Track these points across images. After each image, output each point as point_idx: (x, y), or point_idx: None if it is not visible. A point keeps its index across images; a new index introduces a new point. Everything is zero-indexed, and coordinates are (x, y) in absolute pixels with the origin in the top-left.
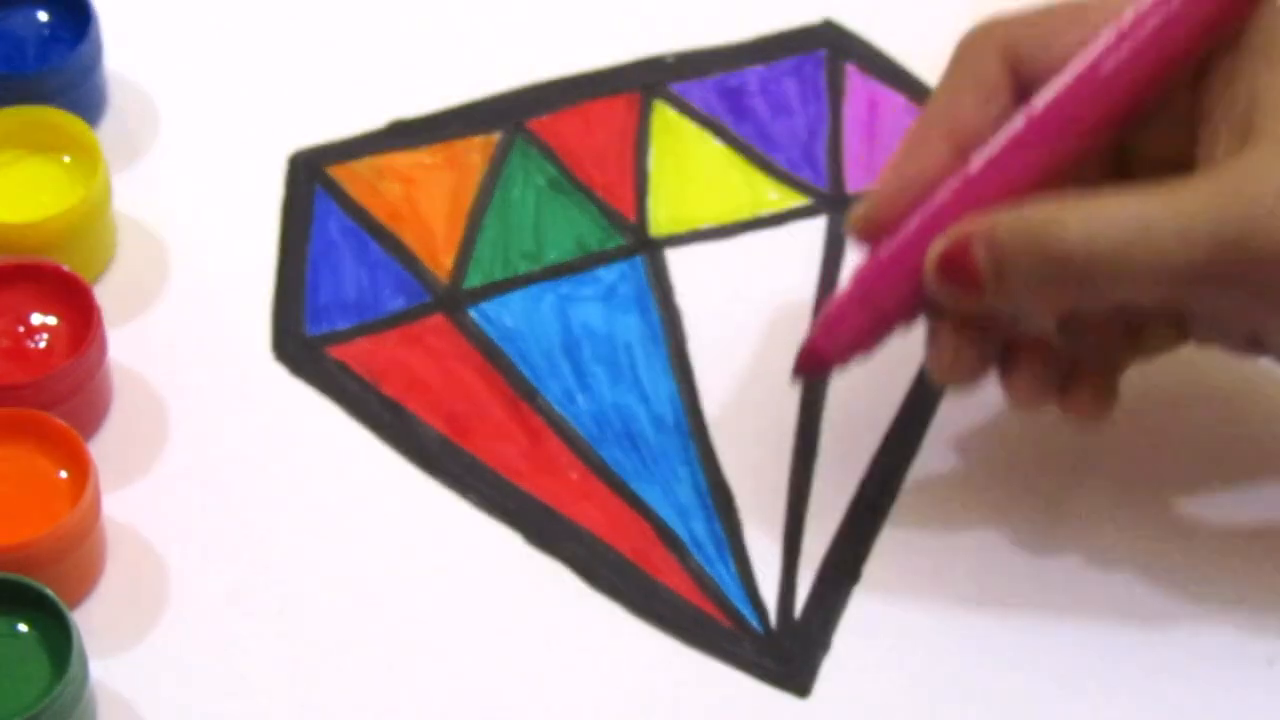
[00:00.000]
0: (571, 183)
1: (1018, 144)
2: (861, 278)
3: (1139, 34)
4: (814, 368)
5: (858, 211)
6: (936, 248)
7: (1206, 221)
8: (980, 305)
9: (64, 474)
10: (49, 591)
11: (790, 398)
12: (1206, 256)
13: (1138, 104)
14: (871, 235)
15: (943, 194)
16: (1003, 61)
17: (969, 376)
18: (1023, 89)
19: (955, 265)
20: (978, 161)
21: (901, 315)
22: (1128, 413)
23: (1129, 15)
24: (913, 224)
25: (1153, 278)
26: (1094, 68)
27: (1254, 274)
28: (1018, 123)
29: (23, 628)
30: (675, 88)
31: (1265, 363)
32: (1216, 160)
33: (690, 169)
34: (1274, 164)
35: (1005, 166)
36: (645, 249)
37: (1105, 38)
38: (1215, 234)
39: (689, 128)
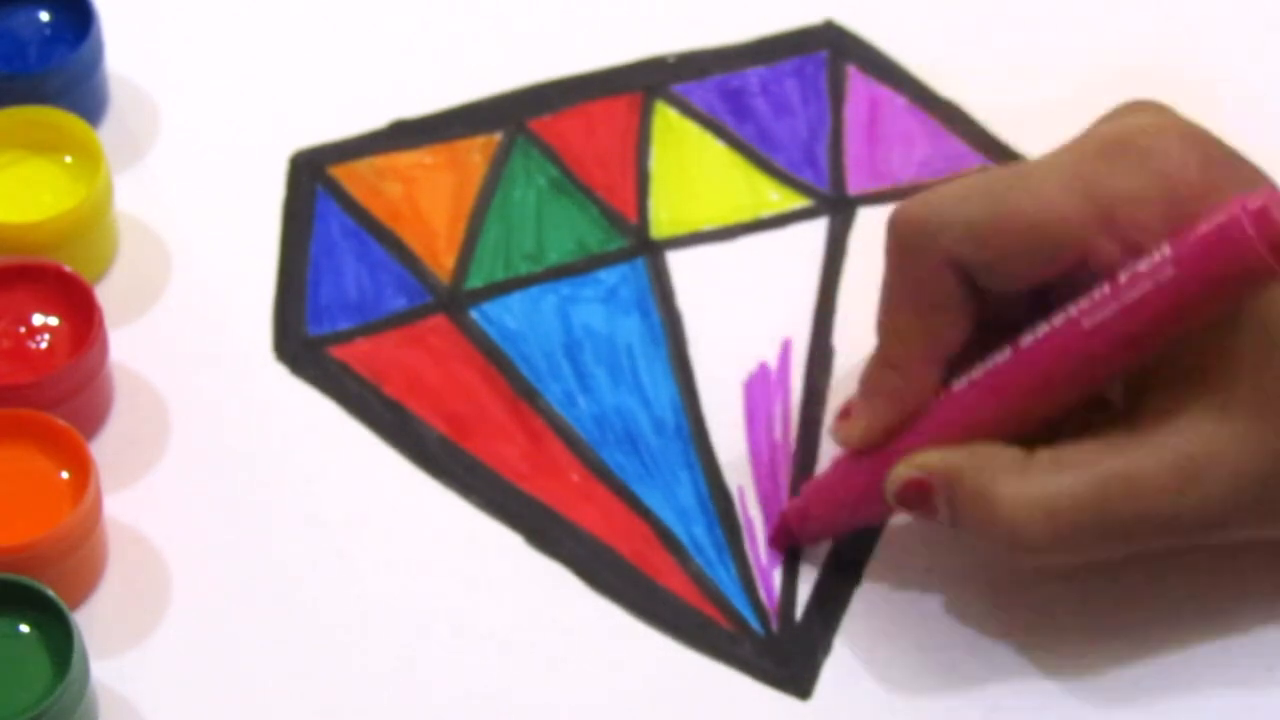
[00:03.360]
0: (573, 183)
1: (997, 383)
2: (838, 475)
3: (1128, 297)
4: (784, 543)
5: (853, 432)
6: (898, 473)
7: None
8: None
9: (65, 474)
10: (50, 592)
11: (791, 400)
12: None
13: (1120, 361)
14: (863, 450)
15: (922, 418)
16: (958, 278)
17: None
18: (980, 294)
19: (915, 496)
20: (958, 391)
21: (864, 515)
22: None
23: (1123, 276)
24: (891, 441)
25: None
26: (1076, 323)
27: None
28: (1001, 360)
29: (24, 628)
30: (677, 88)
31: None
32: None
33: (692, 170)
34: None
35: (984, 402)
36: (646, 251)
37: (1097, 293)
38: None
39: (690, 128)
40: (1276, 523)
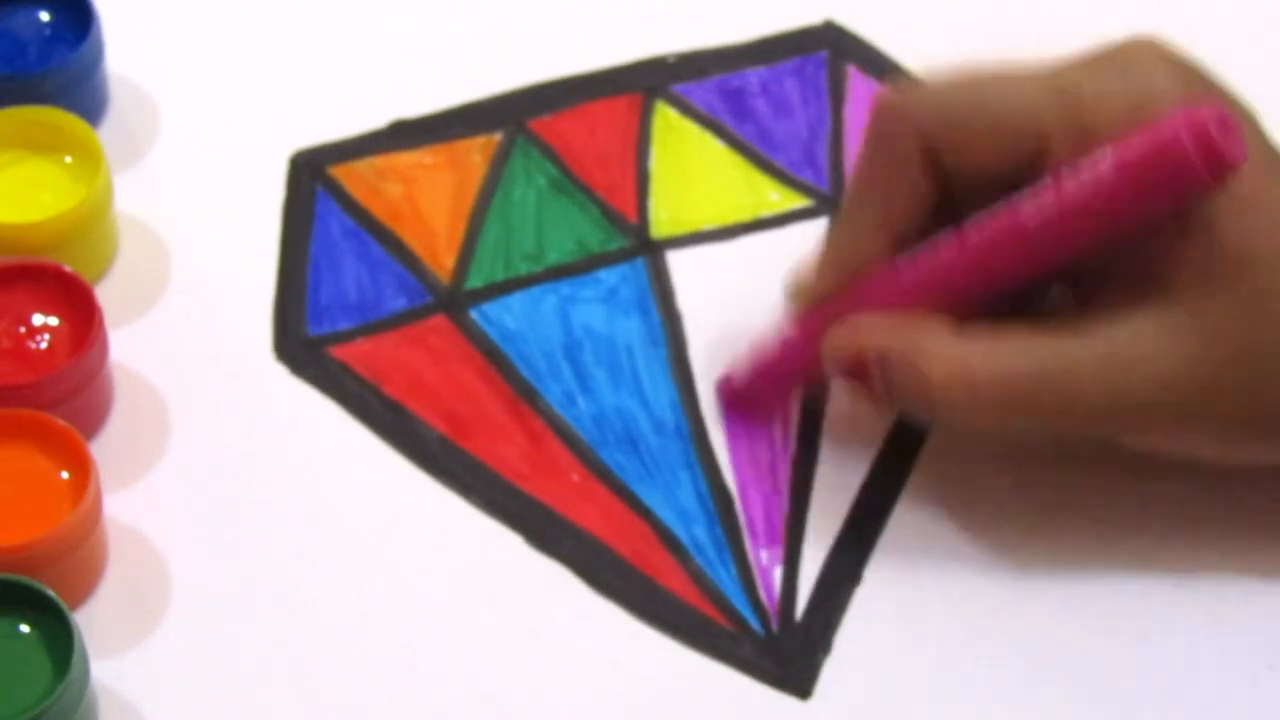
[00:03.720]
0: (573, 183)
1: (937, 263)
2: (786, 343)
3: (1067, 196)
4: (731, 404)
5: (797, 282)
6: (835, 344)
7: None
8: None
9: (65, 474)
10: (50, 592)
11: (792, 400)
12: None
13: (1055, 256)
14: (806, 305)
15: (866, 287)
16: (924, 156)
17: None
18: (945, 178)
19: (853, 369)
20: (901, 265)
21: (804, 376)
22: None
23: (1065, 175)
24: (835, 307)
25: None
26: (1017, 217)
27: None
28: (945, 243)
29: (24, 628)
30: (677, 88)
31: None
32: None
33: (692, 170)
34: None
35: (922, 277)
36: (646, 251)
37: (1040, 189)
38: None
39: (690, 128)
40: (1194, 433)
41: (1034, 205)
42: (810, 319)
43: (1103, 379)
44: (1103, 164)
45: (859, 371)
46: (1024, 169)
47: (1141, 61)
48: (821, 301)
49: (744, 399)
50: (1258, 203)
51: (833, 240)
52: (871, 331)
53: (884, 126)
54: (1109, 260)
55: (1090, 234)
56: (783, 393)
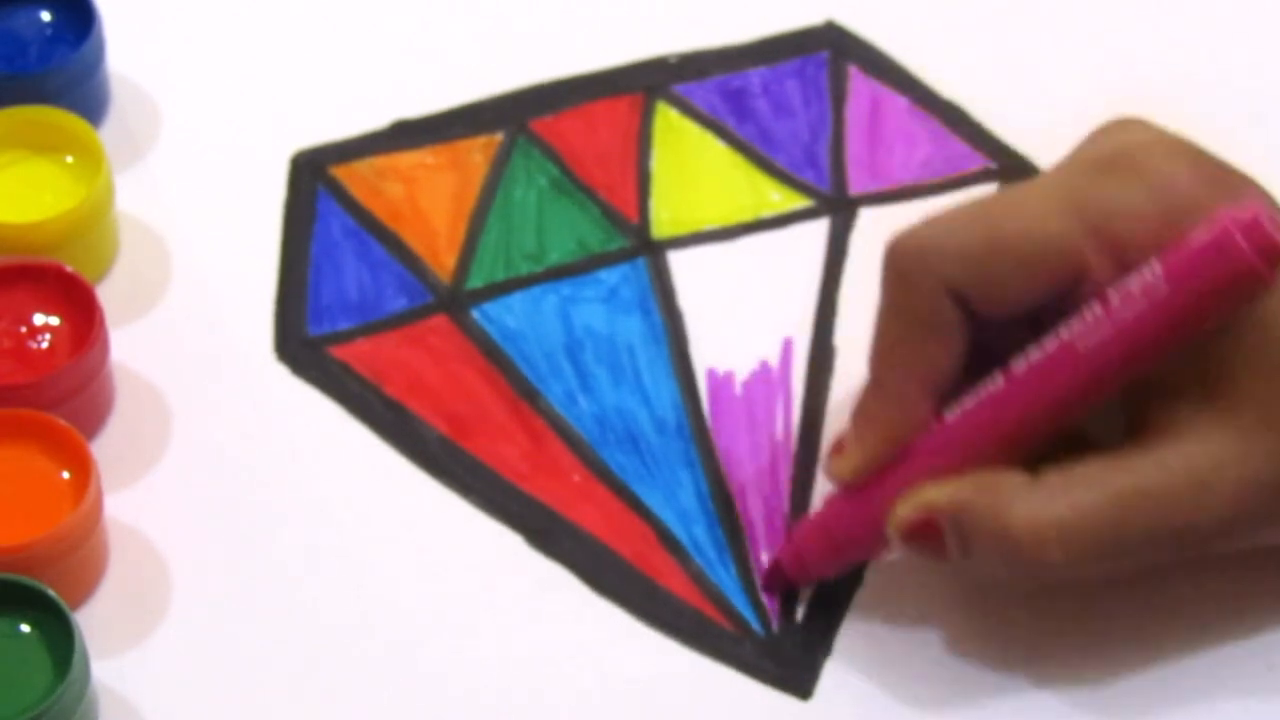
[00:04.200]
0: (574, 183)
1: (992, 411)
2: (832, 515)
3: (1122, 317)
4: (778, 586)
5: (845, 465)
6: (902, 514)
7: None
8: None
9: (66, 474)
10: (51, 592)
11: (792, 400)
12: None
13: (1117, 380)
14: (856, 485)
15: (918, 452)
16: (954, 304)
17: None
18: (974, 321)
19: (923, 536)
20: (952, 421)
21: (863, 554)
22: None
23: (1113, 295)
24: (886, 476)
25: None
26: (1070, 347)
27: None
28: (994, 387)
29: (25, 628)
30: (678, 89)
31: None
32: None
33: (693, 170)
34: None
35: (979, 430)
36: (647, 251)
37: (1088, 314)
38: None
39: (691, 129)
40: (1276, 530)
41: (1085, 331)
42: (861, 494)
43: (1186, 500)
44: (1154, 277)
45: (929, 537)
46: (1058, 297)
47: (1145, 159)
48: (871, 468)
49: (791, 577)
50: None
51: (869, 411)
52: (941, 493)
53: (903, 277)
54: (1161, 373)
55: (1151, 351)
56: (832, 566)
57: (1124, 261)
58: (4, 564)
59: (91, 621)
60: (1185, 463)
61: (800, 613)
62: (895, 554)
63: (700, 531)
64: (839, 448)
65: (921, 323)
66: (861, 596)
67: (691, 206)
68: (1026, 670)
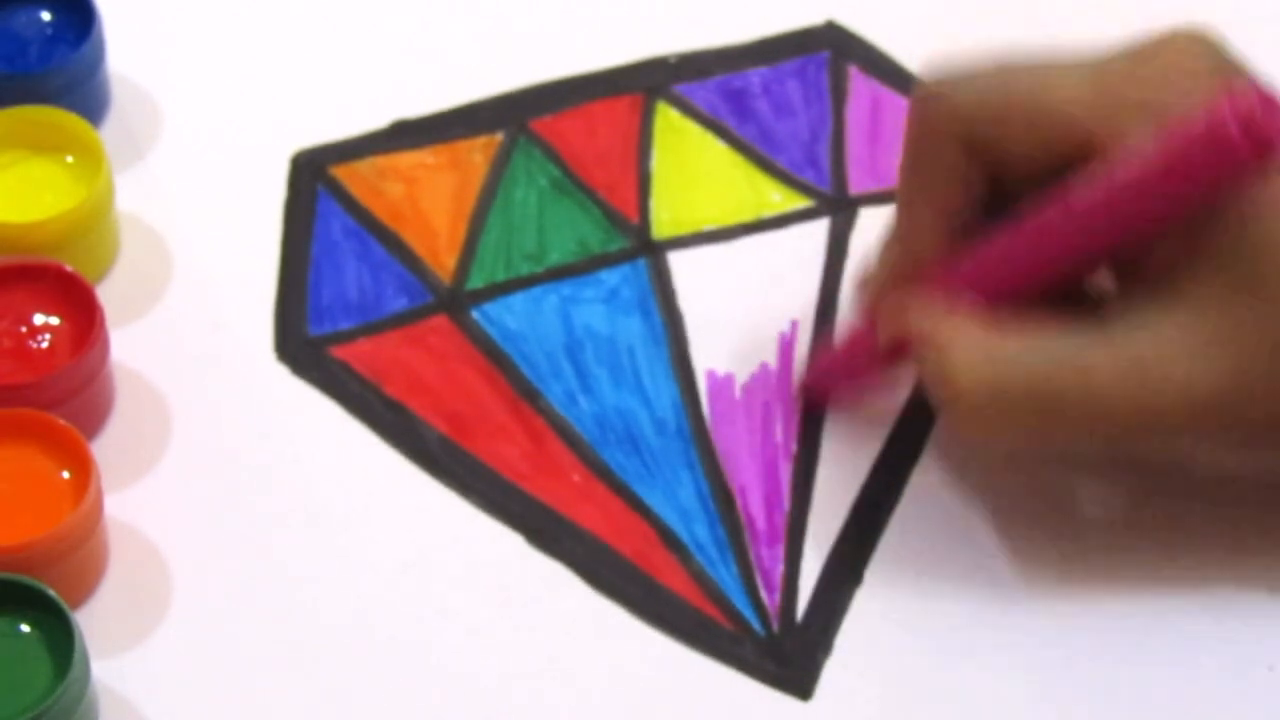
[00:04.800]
0: (574, 184)
1: (990, 254)
2: (854, 336)
3: (1114, 179)
4: (812, 405)
5: (865, 273)
6: (885, 319)
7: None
8: None
9: (66, 474)
10: (51, 592)
11: (792, 400)
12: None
13: (1103, 239)
14: (872, 297)
15: (927, 279)
16: (966, 151)
17: None
18: (994, 169)
19: (899, 351)
20: (958, 260)
21: (876, 374)
22: None
23: (1117, 160)
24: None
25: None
26: (1065, 202)
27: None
28: (999, 233)
29: (24, 628)
30: (678, 89)
31: None
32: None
33: (693, 170)
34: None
35: (976, 269)
36: (648, 251)
37: (1088, 176)
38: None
39: (692, 129)
40: (1219, 442)
41: (1082, 190)
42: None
43: (1119, 380)
44: (1149, 148)
45: (904, 353)
46: (1070, 162)
47: (1181, 55)
48: (885, 294)
49: (821, 396)
50: None
51: (889, 242)
52: (915, 314)
53: (924, 119)
54: (1139, 258)
55: (1137, 218)
56: (858, 383)
57: (1129, 136)
58: (4, 564)
59: (91, 621)
60: (1133, 349)
61: (801, 612)
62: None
63: (701, 531)
64: (867, 270)
65: (934, 163)
66: (861, 596)
67: (692, 207)
68: (1026, 671)
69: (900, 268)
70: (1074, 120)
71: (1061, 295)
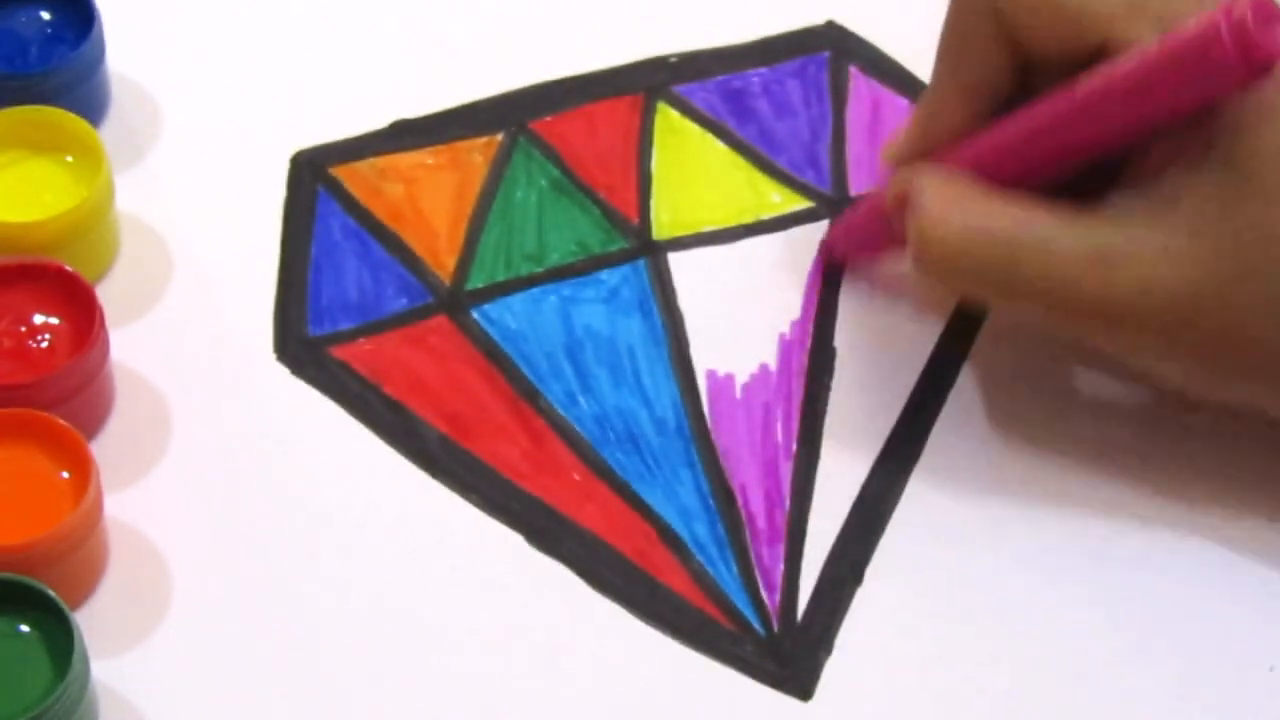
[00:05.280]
0: (574, 184)
1: (1003, 132)
2: (875, 196)
3: (1115, 71)
4: (832, 265)
5: (891, 150)
6: (894, 180)
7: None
8: None
9: (66, 474)
10: (51, 592)
11: (793, 399)
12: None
13: (1100, 128)
14: (894, 167)
15: (944, 155)
16: (999, 31)
17: None
18: (1024, 56)
19: (901, 207)
20: (973, 140)
21: (894, 238)
22: (1129, 418)
23: (1122, 58)
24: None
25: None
26: (1070, 92)
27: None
28: (1013, 115)
29: (24, 628)
30: (678, 89)
31: None
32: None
33: (693, 171)
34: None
35: (989, 145)
36: (648, 252)
37: (1095, 71)
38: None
39: (692, 129)
40: (1170, 353)
41: (1083, 85)
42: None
43: (1080, 263)
44: (1149, 49)
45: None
46: (1094, 57)
47: None
48: (902, 163)
49: (839, 255)
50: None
51: (918, 109)
52: (917, 174)
53: (966, 11)
54: (1132, 161)
55: (1131, 113)
56: (873, 248)
57: (1145, 41)
58: (4, 564)
59: (91, 621)
60: (1099, 236)
61: (801, 612)
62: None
63: (701, 530)
64: (892, 137)
65: (965, 35)
66: (861, 596)
67: (692, 207)
68: (1027, 671)
69: (921, 141)
70: (1097, 20)
71: (1062, 189)
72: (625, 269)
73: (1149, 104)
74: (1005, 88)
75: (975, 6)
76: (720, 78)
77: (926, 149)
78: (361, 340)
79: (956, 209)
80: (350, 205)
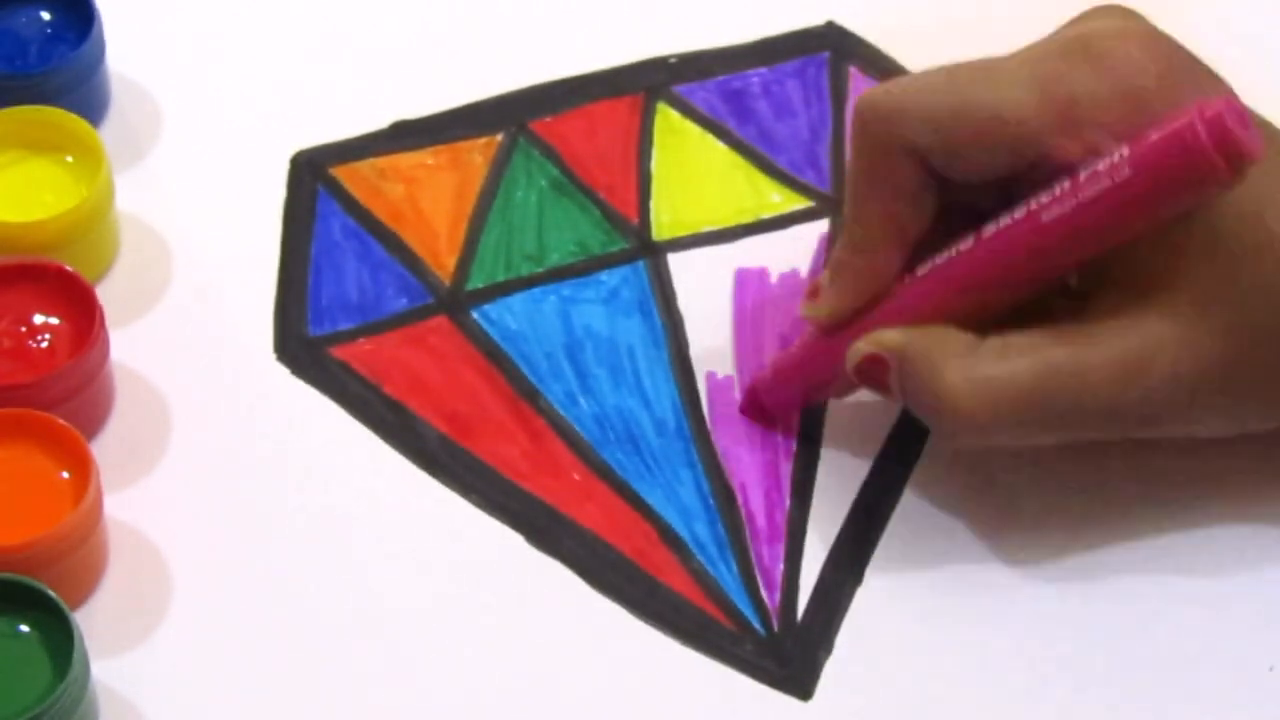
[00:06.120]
0: (574, 184)
1: (957, 269)
2: (806, 353)
3: (1085, 193)
4: (756, 413)
5: (819, 310)
6: (858, 348)
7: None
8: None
9: (66, 474)
10: (51, 592)
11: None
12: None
13: (1075, 253)
14: (828, 328)
15: (886, 301)
16: (918, 166)
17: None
18: (944, 183)
19: (872, 371)
20: (921, 275)
21: (830, 391)
22: None
23: (1082, 174)
24: (856, 322)
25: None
26: (1034, 219)
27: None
28: (964, 247)
29: (24, 628)
30: (678, 89)
31: None
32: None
33: (693, 171)
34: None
35: (944, 286)
36: (648, 253)
37: (1058, 188)
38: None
39: (692, 130)
40: (1207, 421)
41: (1050, 206)
42: (833, 337)
43: (1114, 380)
44: (1121, 163)
45: (878, 376)
46: (1020, 171)
47: (1118, 47)
48: (845, 311)
49: (763, 406)
50: (1258, 188)
51: (842, 261)
52: (893, 336)
53: (870, 137)
54: (1111, 261)
55: (1109, 233)
56: (802, 400)
57: (1087, 145)
58: (4, 564)
59: (91, 621)
60: (1120, 344)
61: (801, 612)
62: (858, 392)
63: (701, 529)
64: (813, 292)
65: (887, 181)
66: (861, 596)
67: (692, 208)
68: (1027, 670)
69: (854, 296)
70: (1023, 130)
71: (1031, 307)
72: (625, 270)
73: (1130, 223)
74: (929, 222)
75: (886, 149)
76: (720, 78)
77: (860, 304)
78: (361, 340)
79: (969, 370)
80: (350, 205)
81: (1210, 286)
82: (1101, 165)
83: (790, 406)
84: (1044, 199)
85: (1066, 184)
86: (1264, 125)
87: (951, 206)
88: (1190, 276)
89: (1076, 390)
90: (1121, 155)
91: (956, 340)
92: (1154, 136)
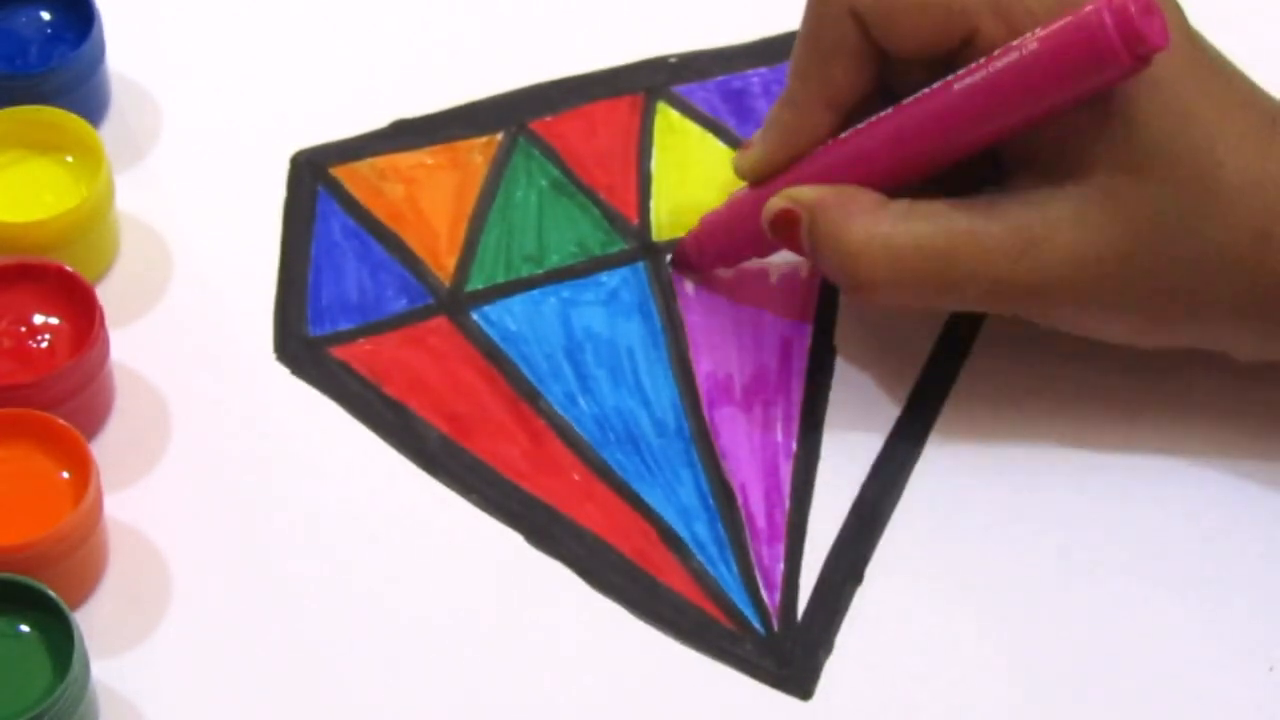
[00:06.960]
0: (574, 184)
1: (874, 134)
2: (734, 207)
3: (993, 67)
4: (685, 267)
5: (747, 161)
6: (773, 202)
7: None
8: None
9: (66, 474)
10: (51, 592)
11: (793, 399)
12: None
13: (983, 125)
14: (755, 181)
15: (809, 162)
16: (857, 30)
17: None
18: (884, 57)
19: (785, 225)
20: (844, 138)
21: (755, 248)
22: (1128, 420)
23: (997, 54)
24: (781, 178)
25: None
26: (947, 93)
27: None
28: (883, 115)
29: (24, 628)
30: (678, 89)
31: None
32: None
33: (693, 171)
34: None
35: (860, 149)
36: (648, 254)
37: (974, 64)
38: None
39: (692, 129)
40: (1101, 314)
41: (964, 82)
42: (758, 192)
43: (1010, 250)
44: (1029, 44)
45: (790, 231)
46: (955, 53)
47: None
48: (771, 164)
49: (693, 263)
50: (1175, 91)
51: (775, 116)
52: (806, 192)
53: (821, 8)
54: (1028, 145)
55: (1016, 112)
56: (728, 257)
57: (1013, 27)
58: (4, 564)
59: (91, 621)
60: (1021, 218)
61: (801, 611)
62: (779, 253)
63: (701, 529)
64: (746, 145)
65: (826, 41)
66: (861, 596)
67: (692, 208)
68: (1027, 670)
69: (782, 152)
70: (964, 15)
71: (949, 179)
72: (625, 271)
73: (1033, 100)
74: (866, 91)
75: (833, 12)
76: (720, 78)
77: (787, 160)
78: (361, 340)
79: (873, 226)
80: (350, 205)
81: (1122, 179)
82: (1015, 43)
83: (716, 261)
84: (960, 73)
85: (982, 60)
86: (1181, 23)
87: (889, 94)
88: (1105, 165)
89: (973, 256)
90: (1034, 34)
91: (866, 198)
92: (1063, 17)
